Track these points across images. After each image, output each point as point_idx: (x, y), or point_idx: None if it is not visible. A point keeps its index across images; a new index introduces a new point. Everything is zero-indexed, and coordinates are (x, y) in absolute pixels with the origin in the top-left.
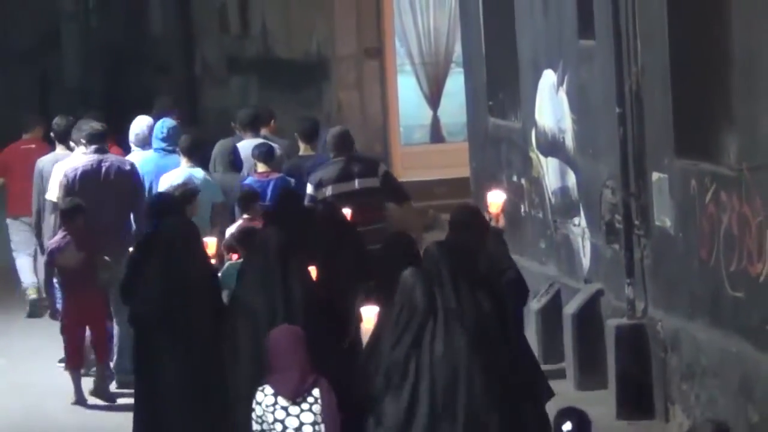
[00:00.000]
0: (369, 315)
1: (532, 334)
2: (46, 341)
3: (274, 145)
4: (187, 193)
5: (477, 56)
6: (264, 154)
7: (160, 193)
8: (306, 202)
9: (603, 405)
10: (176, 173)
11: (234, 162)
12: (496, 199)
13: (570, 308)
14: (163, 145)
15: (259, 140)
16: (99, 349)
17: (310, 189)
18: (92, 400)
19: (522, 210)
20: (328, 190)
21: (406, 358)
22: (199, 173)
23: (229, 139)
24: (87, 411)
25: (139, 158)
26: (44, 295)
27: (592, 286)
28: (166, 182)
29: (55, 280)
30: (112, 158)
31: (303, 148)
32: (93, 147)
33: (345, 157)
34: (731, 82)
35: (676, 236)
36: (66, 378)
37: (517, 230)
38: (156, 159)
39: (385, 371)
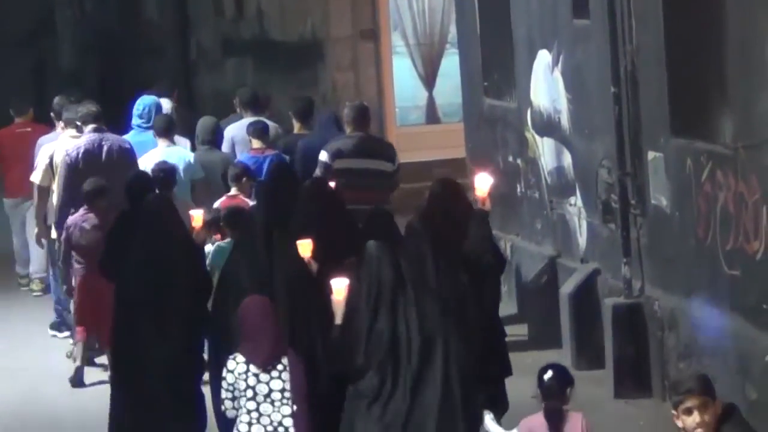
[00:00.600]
0: (339, 287)
1: (528, 314)
2: (43, 325)
3: (269, 123)
4: (168, 176)
5: (472, 37)
6: (259, 130)
7: (138, 172)
8: (319, 170)
9: (600, 384)
10: (154, 154)
11: (215, 140)
12: (482, 183)
13: (567, 288)
14: (140, 122)
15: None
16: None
17: (325, 157)
18: (89, 379)
19: (518, 190)
20: (345, 162)
21: (385, 332)
22: (175, 153)
23: (210, 117)
24: (83, 395)
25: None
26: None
27: (589, 266)
28: (144, 164)
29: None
30: (111, 137)
31: (297, 127)
32: (91, 126)
33: (363, 134)
34: (726, 60)
35: (673, 215)
36: (62, 362)
37: (513, 210)
38: (132, 136)
39: (365, 348)
